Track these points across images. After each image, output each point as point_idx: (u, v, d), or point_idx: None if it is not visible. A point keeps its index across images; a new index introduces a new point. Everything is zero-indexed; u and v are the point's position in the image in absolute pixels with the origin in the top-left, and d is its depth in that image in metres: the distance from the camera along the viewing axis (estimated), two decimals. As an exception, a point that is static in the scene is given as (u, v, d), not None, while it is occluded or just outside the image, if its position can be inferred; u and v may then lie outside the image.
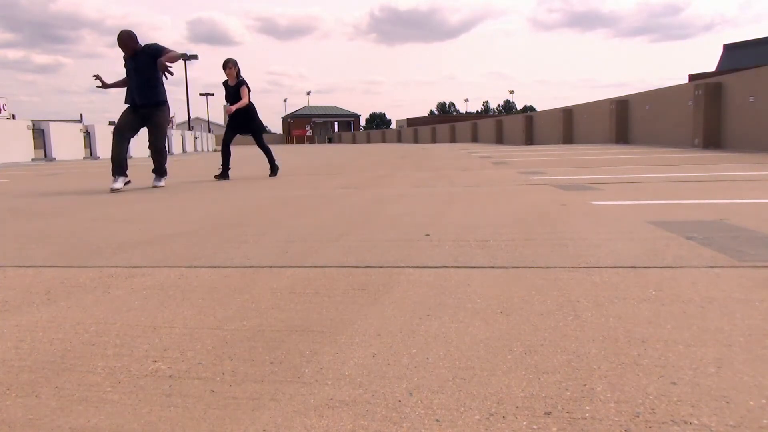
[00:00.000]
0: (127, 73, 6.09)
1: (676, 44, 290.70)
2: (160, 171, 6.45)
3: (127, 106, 6.12)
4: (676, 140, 13.08)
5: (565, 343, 1.25)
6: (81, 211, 4.11)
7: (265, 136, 8.18)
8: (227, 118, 7.57)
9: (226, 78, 7.38)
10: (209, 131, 38.89)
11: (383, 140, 57.14)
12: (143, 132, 6.36)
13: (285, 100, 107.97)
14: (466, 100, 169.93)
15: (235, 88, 7.34)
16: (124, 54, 6.06)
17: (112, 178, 5.94)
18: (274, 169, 7.60)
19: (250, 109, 7.46)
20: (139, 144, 20.98)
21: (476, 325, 1.39)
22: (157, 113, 6.14)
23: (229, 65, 7.28)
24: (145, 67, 6.02)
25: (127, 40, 5.93)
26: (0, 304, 1.71)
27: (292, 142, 68.20)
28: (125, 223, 3.39)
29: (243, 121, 7.47)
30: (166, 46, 6.07)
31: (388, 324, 1.42)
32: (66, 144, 16.85)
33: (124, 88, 6.20)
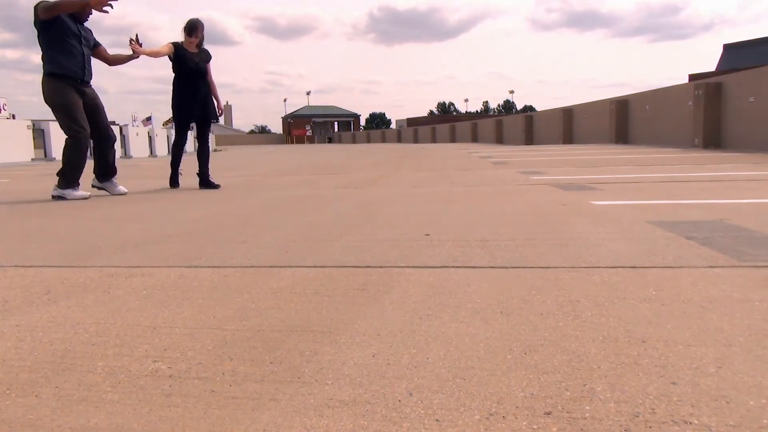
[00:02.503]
0: (71, 35, 4.72)
1: (676, 44, 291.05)
2: (113, 169, 5.17)
3: (68, 86, 4.74)
4: (676, 140, 13.08)
5: (565, 343, 1.25)
6: (81, 211, 4.11)
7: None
8: (187, 109, 5.63)
9: (175, 46, 5.41)
10: (209, 131, 38.86)
11: (383, 140, 57.14)
12: None
13: (285, 100, 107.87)
14: (466, 100, 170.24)
15: (199, 59, 5.58)
16: (71, 14, 4.72)
17: (73, 188, 4.89)
18: (207, 181, 5.79)
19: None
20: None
21: (476, 325, 1.39)
22: (95, 92, 5.00)
23: (201, 30, 5.53)
24: (90, 41, 4.96)
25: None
26: (0, 304, 1.71)
27: (292, 142, 68.25)
28: (125, 223, 3.39)
29: (203, 107, 5.72)
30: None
31: (388, 324, 1.42)
32: (66, 144, 16.82)
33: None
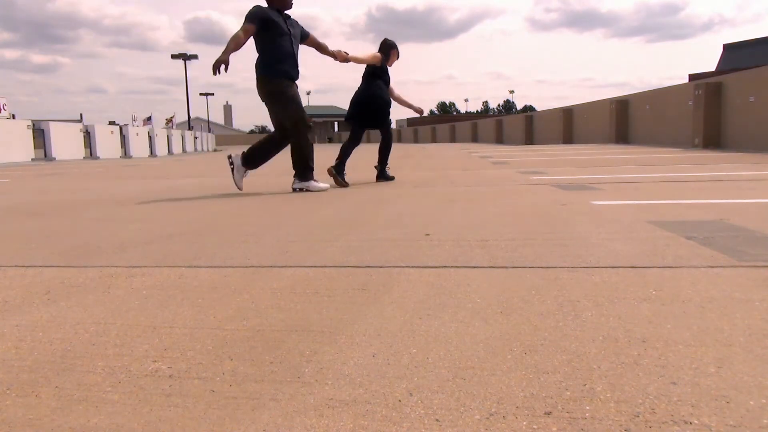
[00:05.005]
0: (284, 36, 4.83)
1: (675, 44, 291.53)
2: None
3: (288, 80, 4.93)
4: (676, 140, 13.08)
5: (565, 343, 1.25)
6: (81, 211, 4.11)
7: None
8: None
9: (384, 64, 5.90)
10: (209, 131, 38.91)
11: (383, 140, 57.06)
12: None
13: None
14: (466, 100, 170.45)
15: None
16: (277, 7, 4.87)
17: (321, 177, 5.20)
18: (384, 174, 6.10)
19: None
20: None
21: (476, 325, 1.39)
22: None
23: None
24: (299, 36, 5.02)
25: None
26: (0, 304, 1.71)
27: (292, 142, 68.02)
28: (125, 223, 3.39)
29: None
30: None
31: (388, 324, 1.42)
32: (66, 144, 16.87)
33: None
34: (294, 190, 5.04)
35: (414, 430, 0.91)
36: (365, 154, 11.23)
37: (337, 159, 5.71)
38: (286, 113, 4.91)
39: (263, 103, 4.98)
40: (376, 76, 5.81)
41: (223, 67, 4.61)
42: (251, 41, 4.81)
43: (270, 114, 5.04)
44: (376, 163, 6.11)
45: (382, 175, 6.09)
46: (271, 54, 4.82)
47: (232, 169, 5.15)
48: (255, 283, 1.86)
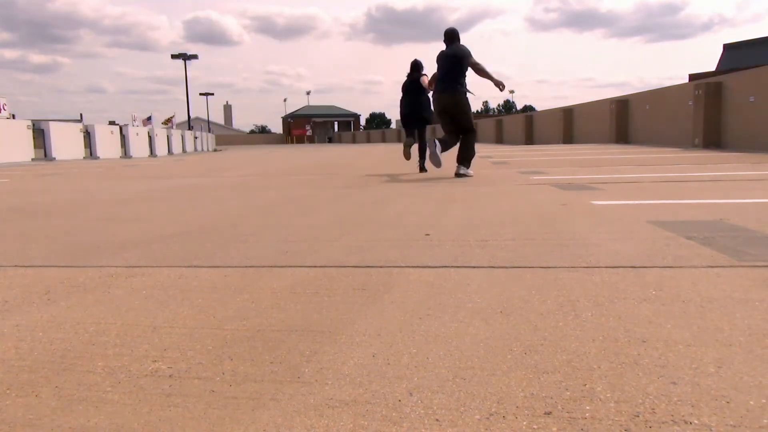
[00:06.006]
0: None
1: (675, 44, 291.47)
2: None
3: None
4: (676, 140, 13.08)
5: (565, 343, 1.25)
6: (81, 211, 4.11)
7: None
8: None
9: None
10: (209, 131, 38.91)
11: (383, 140, 57.11)
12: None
13: (285, 100, 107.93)
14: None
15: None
16: None
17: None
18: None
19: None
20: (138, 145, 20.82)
21: (476, 325, 1.39)
22: None
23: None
24: None
25: None
26: (0, 304, 1.71)
27: (292, 142, 68.25)
28: (125, 222, 3.39)
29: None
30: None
31: (388, 324, 1.42)
32: (66, 144, 16.86)
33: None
34: (458, 175, 6.12)
35: (414, 430, 0.91)
36: (362, 156, 11.22)
37: (420, 159, 7.49)
38: (471, 120, 6.40)
39: (442, 111, 6.39)
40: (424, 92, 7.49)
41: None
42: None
43: (450, 119, 6.31)
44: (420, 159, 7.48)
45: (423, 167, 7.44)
46: (464, 79, 6.36)
47: (434, 152, 6.24)
48: (255, 283, 1.86)
